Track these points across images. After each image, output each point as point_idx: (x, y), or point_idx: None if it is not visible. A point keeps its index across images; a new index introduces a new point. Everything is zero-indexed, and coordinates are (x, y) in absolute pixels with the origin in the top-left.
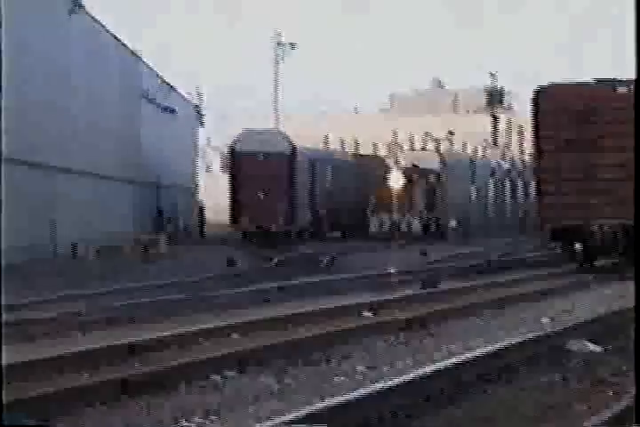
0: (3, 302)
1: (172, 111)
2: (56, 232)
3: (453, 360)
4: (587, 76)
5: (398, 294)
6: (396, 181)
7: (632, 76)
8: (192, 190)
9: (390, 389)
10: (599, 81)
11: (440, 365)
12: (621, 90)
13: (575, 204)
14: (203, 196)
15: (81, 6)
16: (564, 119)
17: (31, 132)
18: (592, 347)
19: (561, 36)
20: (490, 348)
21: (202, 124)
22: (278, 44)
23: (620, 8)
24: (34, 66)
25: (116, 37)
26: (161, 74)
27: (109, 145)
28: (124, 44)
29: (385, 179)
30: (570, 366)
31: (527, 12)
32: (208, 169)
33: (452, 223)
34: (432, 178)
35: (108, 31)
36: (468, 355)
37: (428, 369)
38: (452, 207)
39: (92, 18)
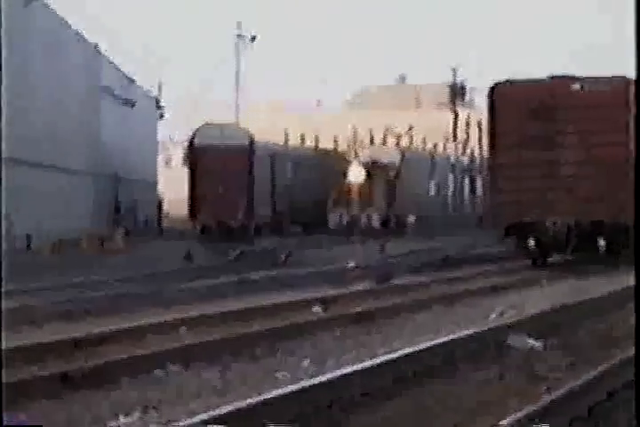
0: (2, 303)
1: (132, 104)
2: (12, 225)
3: (393, 355)
4: (550, 72)
5: (351, 288)
6: (355, 176)
7: (593, 72)
8: (152, 184)
9: (328, 383)
10: (554, 78)
11: (378, 360)
12: (576, 87)
13: (530, 200)
14: (163, 190)
15: None
16: (519, 116)
17: None
18: (533, 343)
19: (526, 31)
20: (430, 343)
21: (162, 116)
22: (239, 35)
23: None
24: None
25: (74, 29)
26: (120, 67)
27: (68, 137)
28: (82, 37)
29: (345, 174)
30: (509, 362)
31: (493, 8)
32: (168, 163)
33: (411, 219)
34: (392, 173)
35: (66, 23)
36: (409, 350)
37: (367, 364)
38: (411, 202)
39: (49, 9)
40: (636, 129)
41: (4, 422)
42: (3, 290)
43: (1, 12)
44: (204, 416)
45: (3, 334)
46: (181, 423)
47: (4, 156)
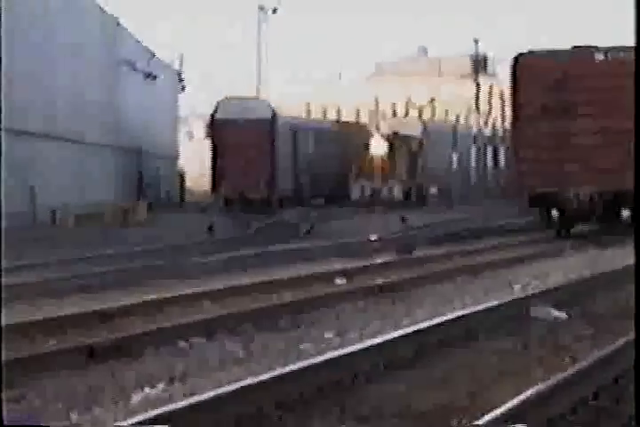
0: (2, 302)
1: (154, 78)
2: (36, 199)
3: (417, 326)
4: (572, 44)
5: (374, 260)
6: (377, 148)
7: (616, 42)
8: (174, 157)
9: (353, 353)
10: (576, 48)
11: (403, 331)
12: (598, 57)
13: (552, 171)
14: (185, 163)
15: None
16: (541, 86)
17: (11, 98)
18: (557, 314)
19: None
20: (454, 314)
21: (183, 89)
22: (260, 8)
23: None
24: (13, 33)
25: (95, 3)
26: (141, 40)
27: (90, 111)
28: (103, 10)
29: (367, 146)
30: (533, 333)
31: None
32: (191, 136)
33: (434, 190)
34: (414, 145)
35: None
36: (433, 321)
37: (391, 335)
38: (433, 174)
39: None
40: (636, 128)
41: (4, 422)
42: (2, 288)
43: (1, 13)
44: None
45: (3, 333)
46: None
47: (25, 129)
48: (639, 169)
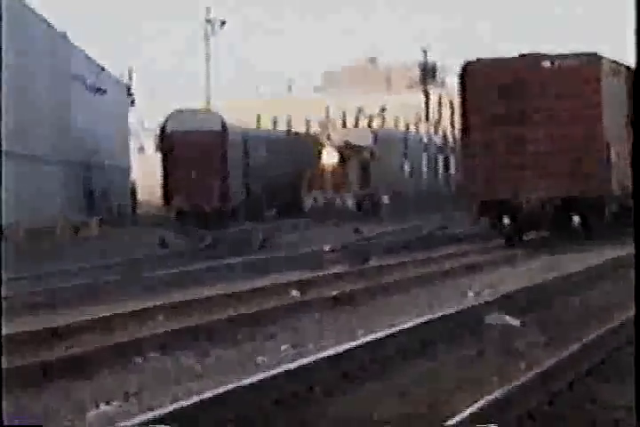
0: (3, 302)
1: (103, 91)
2: None
3: (373, 336)
4: (524, 51)
5: (328, 271)
6: (329, 158)
7: (564, 49)
8: (125, 171)
9: (310, 365)
10: (524, 55)
11: (359, 342)
12: (545, 64)
13: (503, 178)
14: (137, 177)
15: None
16: (490, 94)
17: None
18: (510, 321)
19: (496, 11)
20: (410, 324)
21: (133, 103)
22: (207, 20)
23: None
24: None
25: (42, 18)
26: (89, 54)
27: (39, 126)
28: (51, 25)
29: (318, 156)
30: (487, 341)
31: None
32: (141, 150)
33: (386, 200)
34: (365, 154)
35: (34, 12)
36: (389, 331)
37: (347, 346)
38: (385, 183)
39: None
40: (634, 127)
41: (4, 422)
42: (3, 290)
43: (1, 13)
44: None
45: (2, 333)
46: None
47: None
48: (637, 171)
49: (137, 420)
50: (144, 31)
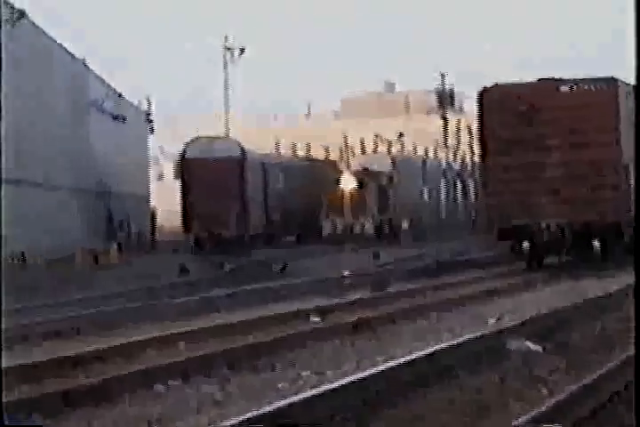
0: (3, 305)
1: (122, 119)
2: (6, 243)
3: (393, 363)
4: (539, 76)
5: (348, 297)
6: (347, 184)
7: (578, 75)
8: (144, 198)
9: (330, 392)
10: (542, 80)
11: (380, 367)
12: (564, 89)
13: (521, 203)
14: (156, 203)
15: (24, 15)
16: (508, 119)
17: None
18: (532, 346)
19: (508, 36)
20: (430, 349)
21: (152, 131)
22: (227, 48)
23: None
24: None
25: (61, 46)
26: (109, 82)
27: (59, 154)
28: (70, 53)
29: (337, 182)
30: (509, 366)
31: (480, 14)
32: (160, 176)
33: (405, 225)
34: (384, 180)
35: (53, 40)
36: (409, 357)
37: (368, 372)
38: (404, 209)
39: (37, 27)
40: (637, 130)
41: (4, 422)
42: (3, 290)
43: (1, 13)
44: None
45: (2, 333)
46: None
47: None
48: (639, 190)
49: None
50: (163, 58)
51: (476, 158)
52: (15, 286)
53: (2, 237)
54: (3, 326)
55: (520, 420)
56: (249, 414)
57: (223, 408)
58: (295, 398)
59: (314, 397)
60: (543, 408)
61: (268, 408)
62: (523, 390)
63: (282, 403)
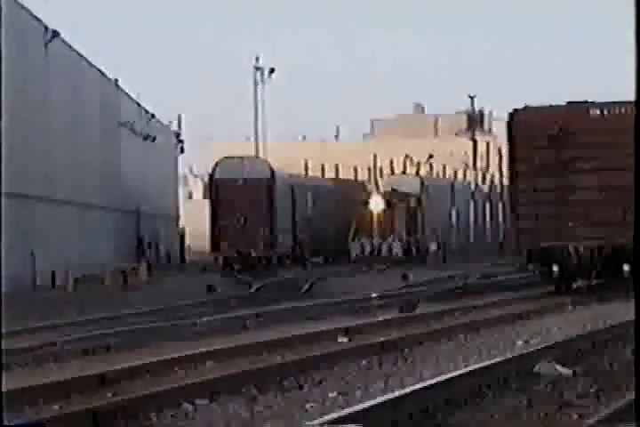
0: (3, 311)
1: (153, 139)
2: (35, 262)
3: (421, 385)
4: (566, 99)
5: (376, 318)
6: (376, 205)
7: (609, 98)
8: (174, 218)
9: (356, 413)
10: (572, 103)
11: (407, 389)
12: (594, 112)
13: (551, 226)
14: (185, 223)
15: (57, 35)
16: (537, 142)
17: (10, 161)
18: (561, 370)
19: (539, 58)
20: (458, 372)
21: (182, 150)
22: (257, 68)
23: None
24: (12, 97)
25: (93, 66)
26: (139, 101)
27: (90, 174)
28: (102, 72)
29: (365, 203)
30: (538, 390)
31: (508, 35)
32: (190, 196)
33: (433, 246)
34: (412, 201)
35: (85, 60)
36: (437, 379)
37: (396, 394)
38: (432, 230)
39: (69, 47)
40: (636, 135)
41: (4, 423)
42: (3, 291)
43: (1, 13)
44: None
45: (2, 333)
46: None
47: (24, 192)
48: (639, 195)
49: None
50: (194, 78)
51: (505, 181)
52: (44, 305)
53: (1, 239)
54: (3, 327)
55: None
56: None
57: None
58: (324, 420)
59: (341, 418)
60: None
61: None
62: (552, 413)
63: (310, 424)
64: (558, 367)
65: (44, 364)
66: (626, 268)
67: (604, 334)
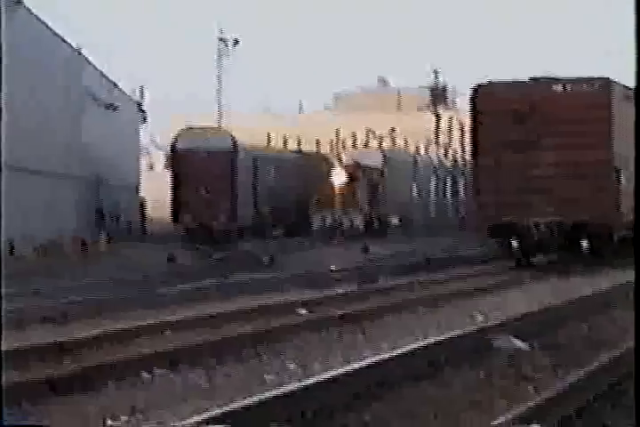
0: (3, 304)
1: (115, 108)
2: None
3: (380, 357)
4: (532, 74)
5: (336, 290)
6: (338, 178)
7: (570, 73)
8: (135, 188)
9: (316, 385)
10: (535, 79)
11: (366, 362)
12: (557, 88)
13: (512, 201)
14: (146, 194)
15: (20, 2)
16: (501, 118)
17: None
18: (519, 344)
19: (506, 33)
20: (416, 345)
21: (144, 121)
22: (221, 39)
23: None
24: None
25: (56, 34)
26: (103, 70)
27: (50, 141)
28: (65, 41)
29: (328, 176)
30: (496, 364)
31: (473, 9)
32: (151, 167)
33: (394, 220)
34: (374, 175)
35: (48, 28)
36: (395, 352)
37: (355, 366)
38: (393, 204)
39: (32, 14)
40: (636, 130)
41: (4, 423)
42: (3, 290)
43: (1, 14)
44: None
45: (2, 333)
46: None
47: None
48: (639, 190)
49: None
50: (159, 47)
51: (468, 156)
52: (5, 273)
53: (1, 236)
54: (3, 329)
55: (503, 417)
56: (238, 404)
57: (208, 398)
58: (282, 390)
59: (299, 389)
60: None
61: (253, 399)
62: (509, 387)
63: (268, 394)
64: (516, 341)
65: (4, 331)
66: (584, 243)
67: (562, 309)
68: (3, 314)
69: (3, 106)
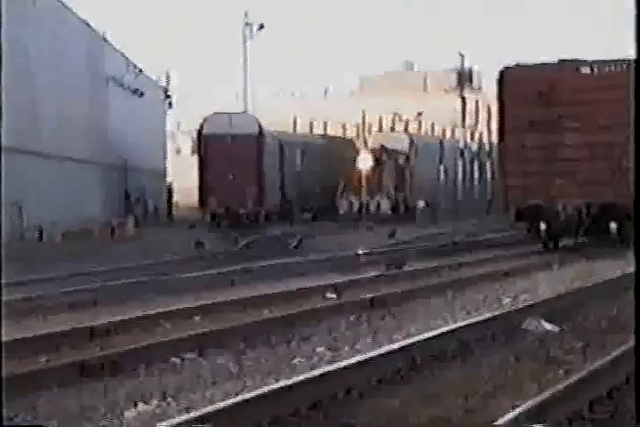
0: (2, 301)
1: (141, 94)
2: (22, 216)
3: (410, 340)
4: (558, 57)
5: (363, 275)
6: (364, 162)
7: (598, 56)
8: (161, 173)
9: (345, 368)
10: (562, 61)
11: (396, 345)
12: (584, 70)
13: (538, 184)
14: (173, 179)
15: None
16: (527, 100)
17: None
18: (548, 326)
19: (533, 16)
20: (446, 328)
21: (170, 106)
22: (246, 24)
23: None
24: None
25: (81, 19)
26: (127, 55)
27: (77, 128)
28: (89, 26)
29: (354, 160)
30: (525, 346)
31: None
32: (178, 152)
33: (421, 204)
34: (401, 159)
35: (73, 13)
36: (425, 335)
37: (384, 349)
38: (420, 188)
39: (58, 0)
40: (636, 127)
41: (4, 423)
42: (3, 289)
43: (1, 12)
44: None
45: (3, 333)
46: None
47: (10, 145)
48: (639, 188)
49: (176, 420)
50: (184, 33)
51: (494, 138)
52: (31, 258)
53: (1, 238)
54: (3, 331)
55: (533, 399)
56: (268, 388)
57: (238, 382)
58: (312, 374)
59: (329, 373)
60: (558, 388)
61: (284, 382)
62: (538, 369)
63: (298, 378)
64: (545, 324)
65: (32, 317)
66: (613, 226)
67: (591, 292)
68: (3, 314)
69: (3, 105)
